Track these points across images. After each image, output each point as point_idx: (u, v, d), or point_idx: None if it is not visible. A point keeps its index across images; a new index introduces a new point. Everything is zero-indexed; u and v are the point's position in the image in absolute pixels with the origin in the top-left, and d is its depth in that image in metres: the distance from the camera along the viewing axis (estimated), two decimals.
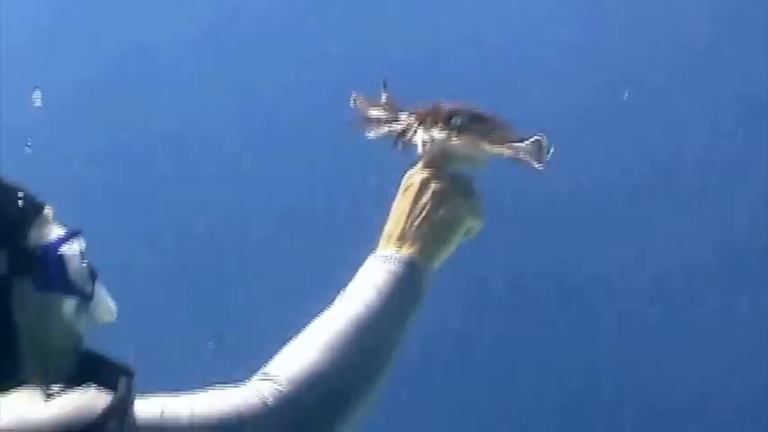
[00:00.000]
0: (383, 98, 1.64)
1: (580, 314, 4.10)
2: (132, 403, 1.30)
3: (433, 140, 1.57)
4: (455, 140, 1.57)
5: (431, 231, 1.54)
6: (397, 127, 1.60)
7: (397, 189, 1.59)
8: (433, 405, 4.14)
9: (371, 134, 1.62)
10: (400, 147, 1.60)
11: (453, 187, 1.56)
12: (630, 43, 4.15)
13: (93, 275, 1.43)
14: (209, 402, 1.34)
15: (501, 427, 4.13)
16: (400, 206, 1.57)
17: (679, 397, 4.09)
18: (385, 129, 1.61)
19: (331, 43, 4.08)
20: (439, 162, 1.58)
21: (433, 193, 1.55)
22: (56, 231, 1.42)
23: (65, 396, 1.27)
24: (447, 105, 1.60)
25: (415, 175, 1.58)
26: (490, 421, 4.13)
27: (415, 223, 1.54)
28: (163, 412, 1.32)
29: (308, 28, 4.15)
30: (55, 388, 1.28)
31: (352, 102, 1.64)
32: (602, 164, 4.14)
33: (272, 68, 4.22)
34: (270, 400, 1.35)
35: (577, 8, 4.18)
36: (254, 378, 1.40)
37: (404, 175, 1.60)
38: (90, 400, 1.27)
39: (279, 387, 1.36)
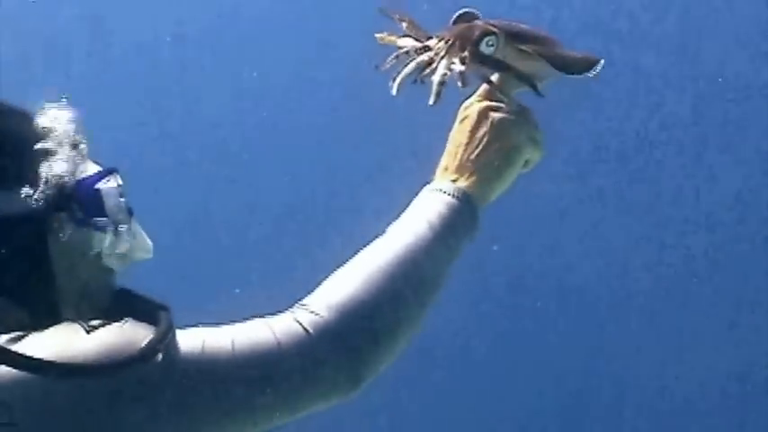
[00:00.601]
0: (403, 24, 1.53)
1: (580, 314, 4.11)
2: (174, 336, 1.30)
3: (461, 71, 1.45)
4: (494, 62, 1.49)
5: (489, 164, 1.49)
6: (425, 57, 1.48)
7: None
8: (433, 405, 4.14)
9: (401, 75, 1.48)
10: (429, 82, 1.47)
11: (512, 118, 1.50)
12: None
13: (129, 212, 1.43)
14: (249, 333, 1.33)
15: (501, 426, 4.14)
16: (456, 137, 1.51)
17: (679, 397, 4.09)
18: (413, 63, 1.49)
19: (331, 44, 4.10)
20: (494, 90, 1.50)
21: (492, 124, 1.49)
22: (92, 167, 1.42)
23: (106, 329, 1.28)
24: (479, 26, 1.50)
25: (473, 104, 1.52)
26: (490, 421, 4.13)
27: (473, 155, 1.49)
28: (204, 344, 1.31)
29: (308, 27, 4.16)
30: (95, 322, 1.29)
31: (378, 39, 1.53)
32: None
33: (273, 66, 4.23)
34: (310, 328, 1.34)
35: None
36: (294, 307, 1.39)
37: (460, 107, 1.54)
38: (132, 331, 1.28)
39: (318, 315, 1.35)
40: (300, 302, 1.39)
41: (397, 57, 1.50)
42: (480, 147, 1.49)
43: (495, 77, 1.53)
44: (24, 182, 1.35)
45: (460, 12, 1.56)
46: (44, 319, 1.32)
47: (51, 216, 1.36)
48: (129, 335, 1.28)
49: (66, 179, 1.37)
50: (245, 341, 1.32)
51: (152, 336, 1.28)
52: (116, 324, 1.29)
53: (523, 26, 1.53)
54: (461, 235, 1.46)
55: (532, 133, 1.51)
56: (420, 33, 1.51)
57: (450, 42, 1.48)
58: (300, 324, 1.34)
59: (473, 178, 1.48)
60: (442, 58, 1.46)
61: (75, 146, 1.40)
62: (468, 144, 1.50)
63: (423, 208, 1.47)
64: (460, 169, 1.49)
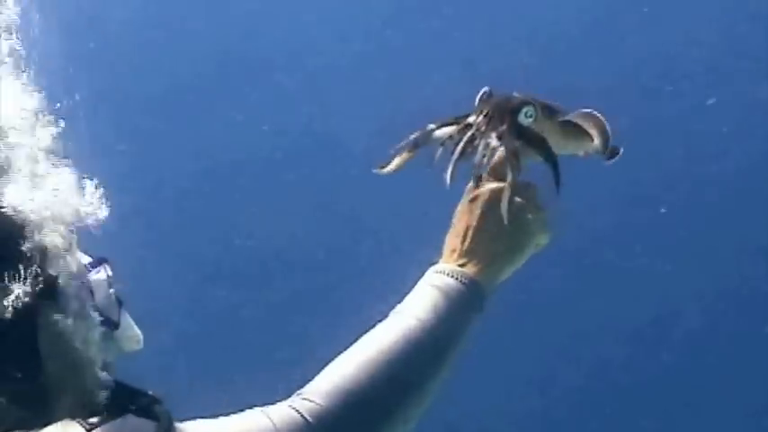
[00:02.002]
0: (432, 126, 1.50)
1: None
2: (173, 428, 1.29)
3: (498, 145, 1.42)
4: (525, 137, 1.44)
5: (501, 251, 1.44)
6: (468, 135, 1.45)
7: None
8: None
9: (452, 162, 1.44)
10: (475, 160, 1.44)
11: (527, 203, 1.44)
12: None
13: (119, 303, 1.42)
14: (248, 422, 1.32)
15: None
16: (466, 218, 1.45)
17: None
18: (460, 145, 1.45)
19: None
20: (508, 168, 1.43)
21: (498, 204, 1.43)
22: (82, 259, 1.40)
23: (106, 427, 1.27)
24: (517, 96, 1.47)
25: (484, 184, 1.46)
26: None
27: (484, 241, 1.44)
28: None
29: None
30: (94, 420, 1.28)
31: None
32: None
33: None
34: (309, 417, 1.32)
35: None
36: (293, 396, 1.37)
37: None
38: (133, 429, 1.28)
39: (316, 403, 1.33)
40: (299, 391, 1.37)
41: (443, 145, 1.46)
42: (493, 233, 1.43)
43: (500, 155, 1.46)
44: (13, 276, 1.30)
45: (484, 90, 1.50)
46: (37, 415, 1.30)
47: (41, 310, 1.32)
48: None
49: (57, 272, 1.34)
50: None
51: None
52: (116, 421, 1.27)
53: (554, 102, 1.50)
54: (467, 321, 1.41)
55: (543, 218, 1.46)
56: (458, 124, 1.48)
57: (488, 114, 1.45)
58: (299, 412, 1.32)
59: (483, 264, 1.43)
60: (483, 134, 1.43)
61: (64, 237, 1.35)
62: (478, 228, 1.44)
63: (428, 292, 1.42)
64: (470, 254, 1.44)
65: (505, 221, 1.41)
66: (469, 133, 1.44)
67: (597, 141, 1.46)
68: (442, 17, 4.55)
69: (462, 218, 1.46)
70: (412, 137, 1.49)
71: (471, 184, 1.47)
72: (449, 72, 4.32)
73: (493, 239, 1.43)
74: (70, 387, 1.34)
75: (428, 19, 4.52)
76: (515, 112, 1.44)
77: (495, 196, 1.44)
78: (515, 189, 1.43)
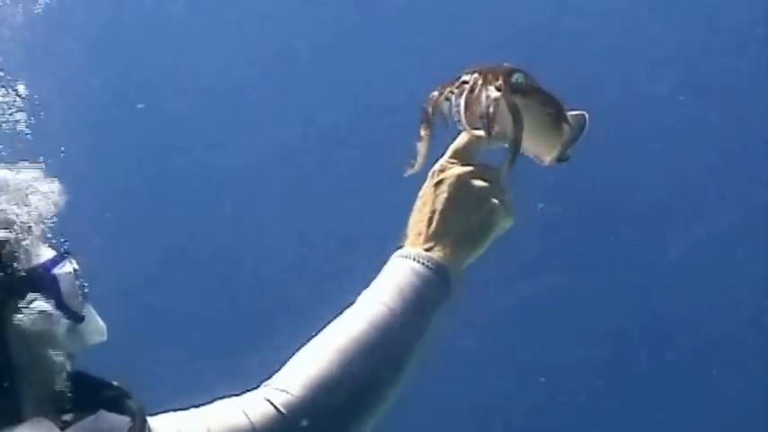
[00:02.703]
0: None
1: None
2: (147, 426, 1.29)
3: (499, 96, 1.43)
4: (517, 99, 1.44)
5: (467, 235, 1.43)
6: (466, 85, 1.45)
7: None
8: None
9: (461, 106, 1.45)
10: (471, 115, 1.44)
11: (492, 187, 1.45)
12: None
13: (84, 296, 1.41)
14: (223, 416, 1.32)
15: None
16: (431, 202, 1.45)
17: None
18: (463, 94, 1.45)
19: None
20: (512, 122, 1.44)
21: (473, 193, 1.44)
22: (47, 252, 1.39)
23: (81, 425, 1.27)
24: (505, 65, 1.47)
25: (448, 167, 1.46)
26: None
27: (450, 224, 1.43)
28: (179, 431, 1.31)
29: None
30: (67, 417, 1.27)
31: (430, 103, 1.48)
32: None
33: None
34: (283, 409, 1.32)
35: None
36: (265, 385, 1.37)
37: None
38: (108, 426, 1.28)
39: (290, 394, 1.33)
40: (270, 381, 1.36)
41: (437, 98, 1.47)
42: (459, 216, 1.43)
43: (463, 139, 1.48)
44: None
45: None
46: (5, 410, 1.29)
47: (6, 304, 1.32)
48: (107, 429, 1.26)
49: (22, 265, 1.34)
50: (220, 426, 1.31)
51: (128, 428, 1.26)
52: (89, 418, 1.27)
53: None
54: (435, 306, 1.41)
55: (508, 203, 1.46)
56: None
57: (482, 73, 1.45)
58: (273, 404, 1.32)
59: (449, 248, 1.43)
60: (482, 87, 1.44)
61: (29, 230, 1.35)
62: (444, 212, 1.44)
63: (395, 278, 1.41)
64: (436, 238, 1.43)
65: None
66: (469, 84, 1.45)
67: (566, 137, 1.48)
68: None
69: (427, 201, 1.45)
70: (422, 113, 1.49)
71: (436, 166, 1.47)
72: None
73: (458, 223, 1.43)
74: (36, 381, 1.33)
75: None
76: (509, 73, 1.45)
77: (462, 180, 1.44)
78: (479, 171, 1.45)
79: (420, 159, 1.48)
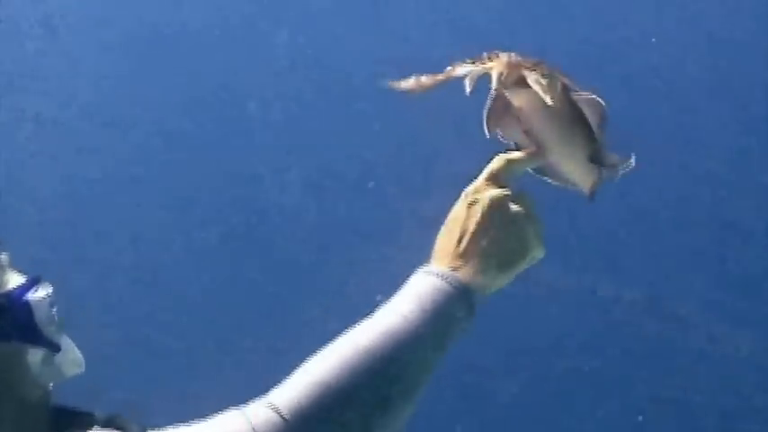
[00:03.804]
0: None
1: None
2: None
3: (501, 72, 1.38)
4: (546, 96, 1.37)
5: (496, 260, 1.39)
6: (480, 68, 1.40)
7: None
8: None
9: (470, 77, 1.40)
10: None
11: (526, 214, 1.41)
12: None
13: (60, 323, 1.34)
14: (225, 423, 1.27)
15: None
16: (463, 222, 1.40)
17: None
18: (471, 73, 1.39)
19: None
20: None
21: (508, 218, 1.40)
22: (15, 278, 1.33)
23: None
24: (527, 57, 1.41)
25: (483, 189, 1.42)
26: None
27: (480, 247, 1.39)
28: None
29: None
30: None
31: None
32: None
33: None
34: (287, 416, 1.27)
35: None
36: (271, 393, 1.31)
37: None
38: None
39: (296, 402, 1.28)
40: (277, 387, 1.32)
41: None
42: (490, 240, 1.39)
43: (499, 161, 1.44)
44: None
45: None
46: None
47: None
48: None
49: None
50: None
51: None
52: None
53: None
54: (454, 328, 1.36)
55: (540, 232, 1.42)
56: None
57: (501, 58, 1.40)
58: (278, 412, 1.27)
59: (476, 270, 1.38)
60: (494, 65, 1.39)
61: None
62: (476, 233, 1.39)
63: (417, 293, 1.36)
64: (464, 258, 1.38)
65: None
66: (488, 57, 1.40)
67: (594, 143, 1.43)
68: None
69: (458, 222, 1.41)
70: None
71: (469, 188, 1.43)
72: None
73: (489, 247, 1.39)
74: (12, 414, 1.29)
75: None
76: (531, 68, 1.39)
77: (496, 203, 1.40)
78: (514, 196, 1.41)
79: (413, 84, 1.44)
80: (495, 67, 1.39)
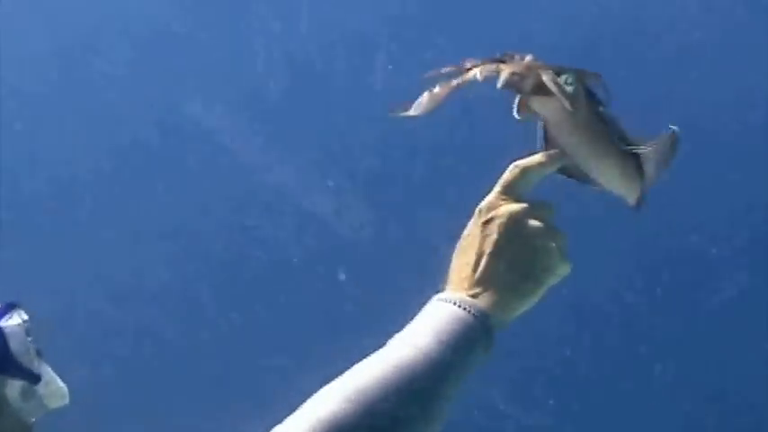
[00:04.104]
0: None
1: None
2: None
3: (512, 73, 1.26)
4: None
5: (517, 283, 1.28)
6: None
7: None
8: None
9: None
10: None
11: (548, 227, 1.29)
12: None
13: (38, 353, 1.27)
14: None
15: None
16: (477, 243, 1.30)
17: None
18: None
19: None
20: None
21: (526, 234, 1.28)
22: None
23: None
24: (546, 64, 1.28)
25: (498, 204, 1.30)
26: None
27: (499, 269, 1.28)
28: None
29: None
30: None
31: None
32: None
33: None
34: None
35: None
36: (281, 426, 1.21)
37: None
38: None
39: None
40: (285, 421, 1.23)
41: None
42: (510, 260, 1.28)
43: (514, 172, 1.32)
44: None
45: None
46: None
47: None
48: None
49: None
50: None
51: None
52: None
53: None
54: (472, 359, 1.26)
55: (563, 248, 1.31)
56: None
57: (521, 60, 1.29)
58: None
59: (497, 296, 1.27)
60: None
61: None
62: (493, 254, 1.28)
63: (433, 322, 1.26)
64: (482, 283, 1.27)
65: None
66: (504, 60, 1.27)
67: (648, 169, 1.31)
68: None
69: (473, 243, 1.29)
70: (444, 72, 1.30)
71: (483, 203, 1.31)
72: None
73: (509, 268, 1.28)
74: None
75: None
76: (555, 73, 1.27)
77: (514, 219, 1.28)
78: (533, 209, 1.29)
79: (423, 108, 1.30)
80: (508, 66, 1.26)
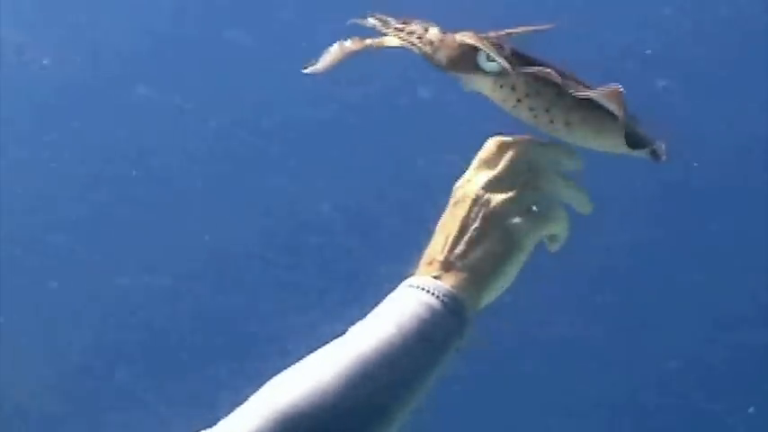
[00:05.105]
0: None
1: None
2: None
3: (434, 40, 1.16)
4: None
5: (483, 259, 1.20)
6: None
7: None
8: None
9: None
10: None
11: (513, 202, 1.21)
12: None
13: None
14: None
15: None
16: (447, 225, 1.22)
17: None
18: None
19: None
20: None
21: (489, 210, 1.21)
22: None
23: None
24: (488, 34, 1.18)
25: (468, 185, 1.23)
26: None
27: (463, 247, 1.20)
28: None
29: None
30: None
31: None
32: None
33: None
34: None
35: None
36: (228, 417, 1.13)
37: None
38: None
39: (257, 426, 1.10)
40: (236, 410, 1.14)
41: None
42: (472, 237, 1.20)
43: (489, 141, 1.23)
44: None
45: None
46: None
47: None
48: None
49: None
50: None
51: None
52: None
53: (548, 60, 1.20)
54: (443, 344, 1.17)
55: (541, 219, 1.21)
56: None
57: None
58: None
59: (462, 275, 1.19)
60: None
61: None
62: (459, 233, 1.21)
63: (394, 308, 1.18)
64: (447, 264, 1.20)
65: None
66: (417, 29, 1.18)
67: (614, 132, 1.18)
68: None
69: (443, 224, 1.22)
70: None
71: (457, 185, 1.23)
72: None
73: (473, 247, 1.20)
74: None
75: None
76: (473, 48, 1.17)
77: (480, 196, 1.20)
78: (505, 174, 1.20)
79: (325, 62, 1.21)
80: (442, 49, 1.17)
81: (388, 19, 1.19)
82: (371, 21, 1.20)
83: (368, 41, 1.20)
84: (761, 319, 3.88)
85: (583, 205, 1.23)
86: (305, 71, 1.21)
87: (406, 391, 1.15)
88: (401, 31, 1.17)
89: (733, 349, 3.98)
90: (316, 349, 1.16)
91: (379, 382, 1.13)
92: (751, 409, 3.83)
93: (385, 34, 1.19)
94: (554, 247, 1.23)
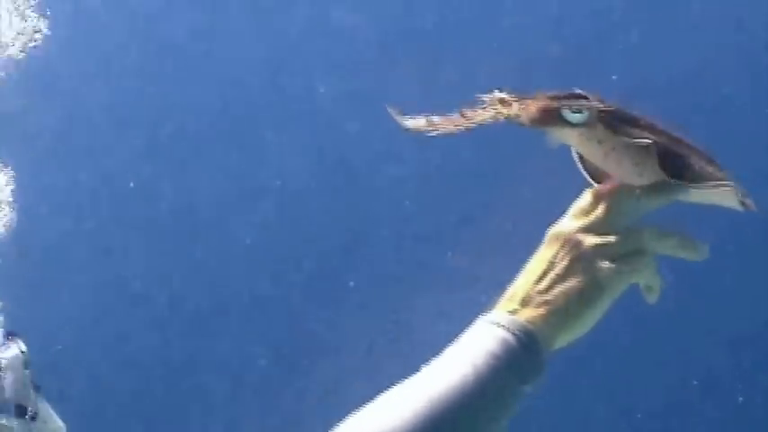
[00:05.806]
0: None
1: None
2: None
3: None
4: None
5: (563, 296, 1.18)
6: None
7: None
8: None
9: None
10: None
11: (603, 246, 1.20)
12: None
13: (36, 387, 1.20)
14: None
15: None
16: (533, 264, 1.22)
17: None
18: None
19: None
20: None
21: (578, 251, 1.19)
22: None
23: None
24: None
25: (560, 229, 1.22)
26: None
27: (545, 284, 1.19)
28: None
29: None
30: None
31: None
32: None
33: None
34: None
35: None
36: None
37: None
38: None
39: None
40: None
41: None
42: (557, 276, 1.19)
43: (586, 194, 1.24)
44: None
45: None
46: None
47: None
48: None
49: None
50: None
51: None
52: None
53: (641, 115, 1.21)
54: (516, 381, 1.16)
55: (627, 268, 1.19)
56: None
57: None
58: None
59: (539, 310, 1.18)
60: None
61: None
62: (543, 272, 1.20)
63: (470, 344, 1.17)
64: (526, 300, 1.19)
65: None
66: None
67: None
68: None
69: (531, 264, 1.22)
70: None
71: (552, 229, 1.22)
72: None
73: (555, 286, 1.19)
74: None
75: None
76: (559, 99, 1.17)
77: (570, 238, 1.20)
78: (599, 225, 1.20)
79: (420, 123, 1.20)
80: (527, 109, 1.17)
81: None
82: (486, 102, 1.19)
83: (453, 125, 1.19)
84: None
85: (692, 253, 1.21)
86: (394, 117, 1.20)
87: (484, 423, 1.13)
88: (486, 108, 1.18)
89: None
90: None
91: (456, 417, 1.12)
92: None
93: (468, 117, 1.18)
94: (652, 299, 1.22)
